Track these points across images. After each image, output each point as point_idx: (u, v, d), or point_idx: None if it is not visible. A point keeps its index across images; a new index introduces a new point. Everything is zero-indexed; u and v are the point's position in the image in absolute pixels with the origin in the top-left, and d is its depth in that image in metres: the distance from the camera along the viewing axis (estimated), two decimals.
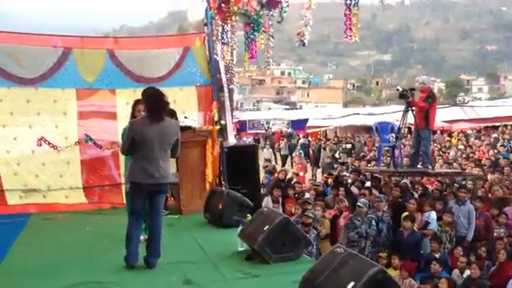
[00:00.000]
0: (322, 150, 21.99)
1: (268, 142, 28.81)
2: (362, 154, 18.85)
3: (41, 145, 8.54)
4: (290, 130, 29.19)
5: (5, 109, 8.41)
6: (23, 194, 8.46)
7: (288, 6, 6.39)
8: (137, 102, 6.36)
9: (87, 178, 8.82)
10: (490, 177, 12.01)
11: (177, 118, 7.87)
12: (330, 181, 12.33)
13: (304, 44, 6.07)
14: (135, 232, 5.43)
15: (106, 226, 7.25)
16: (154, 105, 5.34)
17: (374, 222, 8.67)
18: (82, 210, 8.40)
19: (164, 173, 5.35)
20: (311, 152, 23.29)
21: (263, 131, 31.75)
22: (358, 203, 8.89)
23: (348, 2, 5.46)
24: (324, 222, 9.11)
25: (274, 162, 22.44)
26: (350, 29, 5.47)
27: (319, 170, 20.56)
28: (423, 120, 10.07)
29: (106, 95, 8.92)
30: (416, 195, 10.16)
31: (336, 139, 26.85)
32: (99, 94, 8.94)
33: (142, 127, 5.29)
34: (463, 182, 10.77)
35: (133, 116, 6.32)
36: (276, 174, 12.18)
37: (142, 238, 5.72)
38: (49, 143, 8.57)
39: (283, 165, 23.48)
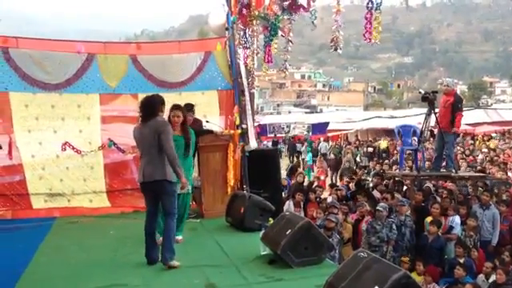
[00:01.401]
0: (344, 154, 21.87)
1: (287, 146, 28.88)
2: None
3: (65, 149, 8.70)
4: (306, 133, 29.22)
5: (30, 114, 8.57)
6: (48, 198, 8.60)
7: (316, 11, 6.34)
8: (172, 108, 6.43)
9: (110, 182, 8.93)
10: None
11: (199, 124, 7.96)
12: (351, 185, 12.26)
13: (337, 49, 6.02)
14: (149, 230, 5.61)
15: (129, 229, 7.28)
16: (143, 109, 5.59)
17: (394, 226, 8.59)
18: (105, 214, 8.49)
19: (149, 172, 5.48)
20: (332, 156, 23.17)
21: (283, 135, 31.77)
22: (377, 207, 8.82)
23: (369, 5, 5.40)
24: (346, 226, 9.05)
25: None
26: (370, 32, 5.42)
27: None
28: (449, 124, 9.96)
29: (128, 100, 9.02)
30: (438, 199, 10.03)
31: (357, 142, 26.73)
32: (122, 99, 9.06)
33: (135, 131, 5.71)
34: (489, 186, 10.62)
35: (170, 122, 6.41)
36: (294, 178, 12.14)
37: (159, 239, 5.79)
38: (73, 148, 8.73)
39: (303, 168, 23.42)
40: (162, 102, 5.70)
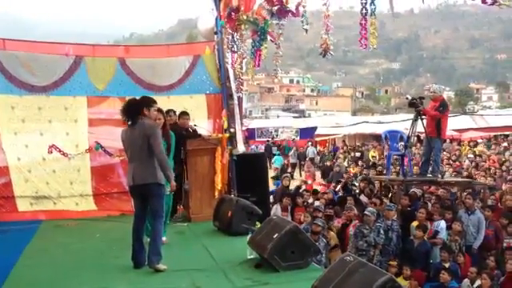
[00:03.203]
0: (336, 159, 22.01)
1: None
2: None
3: (52, 152, 8.64)
4: (286, 138, 29.40)
5: (17, 116, 8.51)
6: (34, 201, 8.53)
7: (307, 17, 6.39)
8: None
9: (97, 185, 8.88)
10: (504, 186, 11.93)
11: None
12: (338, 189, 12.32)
13: (326, 54, 6.05)
14: (137, 234, 5.59)
15: (116, 232, 7.28)
16: (126, 113, 5.60)
17: (382, 231, 8.63)
18: (91, 217, 8.44)
19: (139, 175, 5.48)
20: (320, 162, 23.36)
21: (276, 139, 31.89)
22: (365, 212, 8.86)
23: (364, 11, 5.47)
24: (329, 233, 9.06)
25: None
26: (366, 38, 5.49)
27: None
28: (435, 129, 10.05)
29: (116, 103, 8.98)
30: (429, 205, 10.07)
31: (345, 148, 26.88)
32: (109, 102, 9.02)
33: (122, 133, 5.71)
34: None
35: None
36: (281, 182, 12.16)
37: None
38: (59, 150, 8.67)
39: (292, 173, 23.50)
40: (146, 102, 5.65)
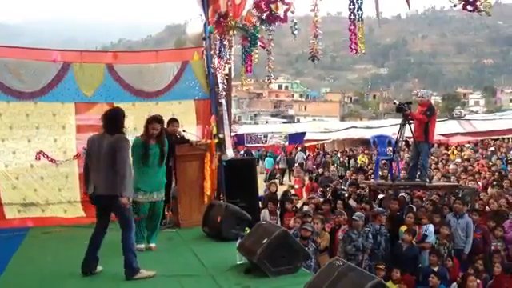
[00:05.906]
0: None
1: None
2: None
3: (39, 159, 8.58)
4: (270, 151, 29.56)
5: (4, 123, 8.44)
6: (22, 208, 8.45)
7: (296, 22, 6.43)
8: (151, 121, 6.55)
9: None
10: (489, 191, 12.01)
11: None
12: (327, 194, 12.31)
13: (316, 59, 6.10)
14: (91, 241, 5.64)
15: (104, 239, 7.21)
16: (107, 122, 5.52)
17: (370, 235, 8.67)
18: (80, 224, 8.38)
19: (103, 186, 5.41)
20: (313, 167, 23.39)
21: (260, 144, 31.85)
22: (353, 216, 8.89)
23: (352, 17, 5.55)
24: (324, 234, 9.08)
25: None
26: (356, 43, 5.57)
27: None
28: (422, 133, 10.13)
29: (104, 109, 8.91)
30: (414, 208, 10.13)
31: (332, 153, 27.00)
32: (97, 108, 8.95)
33: (94, 139, 5.59)
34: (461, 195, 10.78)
35: (146, 133, 6.54)
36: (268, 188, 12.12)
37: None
38: (47, 157, 8.61)
39: (281, 178, 23.52)
40: (124, 115, 5.62)
